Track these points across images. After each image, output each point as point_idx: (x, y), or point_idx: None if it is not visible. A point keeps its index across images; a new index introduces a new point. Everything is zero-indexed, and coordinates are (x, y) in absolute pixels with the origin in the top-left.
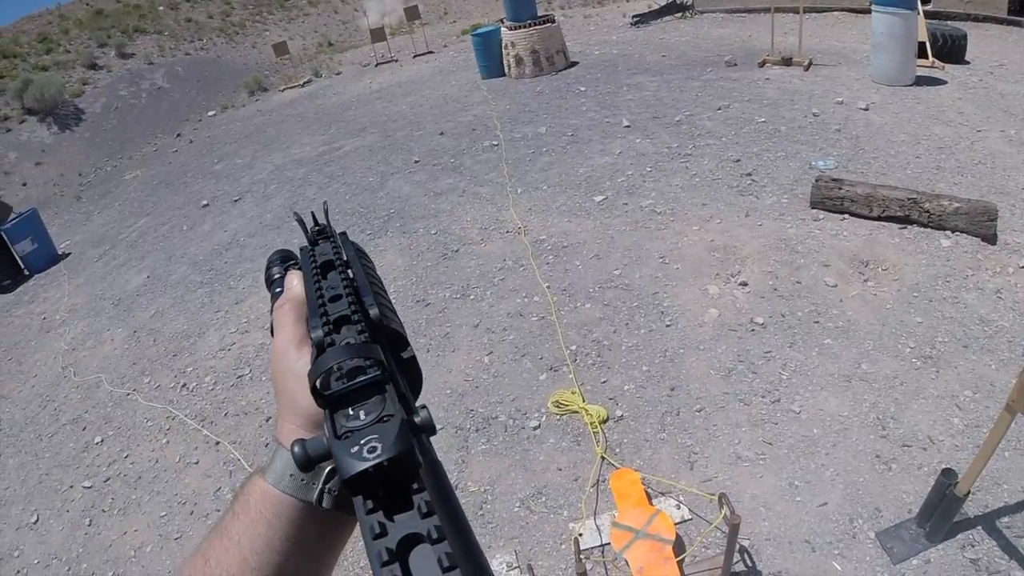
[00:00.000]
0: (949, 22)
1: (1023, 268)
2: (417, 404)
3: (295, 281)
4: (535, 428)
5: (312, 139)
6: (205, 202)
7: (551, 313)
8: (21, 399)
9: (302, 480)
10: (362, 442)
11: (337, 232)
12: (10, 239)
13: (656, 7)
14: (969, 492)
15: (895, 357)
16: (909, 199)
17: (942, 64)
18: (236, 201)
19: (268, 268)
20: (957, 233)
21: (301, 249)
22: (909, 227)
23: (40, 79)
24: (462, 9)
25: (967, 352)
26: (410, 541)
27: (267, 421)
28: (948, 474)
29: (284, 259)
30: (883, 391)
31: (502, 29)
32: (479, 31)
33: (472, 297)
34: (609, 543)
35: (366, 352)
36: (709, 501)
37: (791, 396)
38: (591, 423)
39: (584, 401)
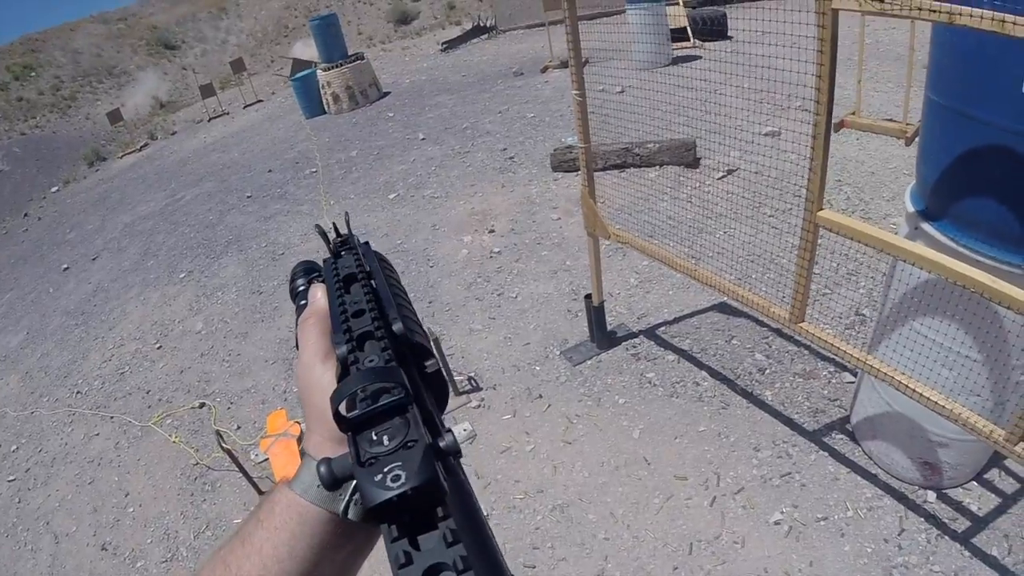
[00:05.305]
0: (721, 7)
1: (719, 180)
2: (447, 424)
3: (319, 294)
4: None
5: (155, 196)
6: (65, 266)
7: None
8: None
9: (327, 492)
10: (385, 470)
11: (360, 242)
12: None
13: (464, 32)
14: (603, 302)
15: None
16: (623, 149)
17: (701, 43)
18: (94, 259)
19: (292, 280)
20: (665, 166)
21: (324, 261)
22: (626, 170)
23: None
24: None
25: (651, 239)
26: (435, 569)
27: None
28: (588, 297)
29: (308, 271)
30: (579, 274)
31: (317, 71)
32: (297, 76)
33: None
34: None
35: (389, 376)
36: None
37: (512, 289)
38: None
39: None
